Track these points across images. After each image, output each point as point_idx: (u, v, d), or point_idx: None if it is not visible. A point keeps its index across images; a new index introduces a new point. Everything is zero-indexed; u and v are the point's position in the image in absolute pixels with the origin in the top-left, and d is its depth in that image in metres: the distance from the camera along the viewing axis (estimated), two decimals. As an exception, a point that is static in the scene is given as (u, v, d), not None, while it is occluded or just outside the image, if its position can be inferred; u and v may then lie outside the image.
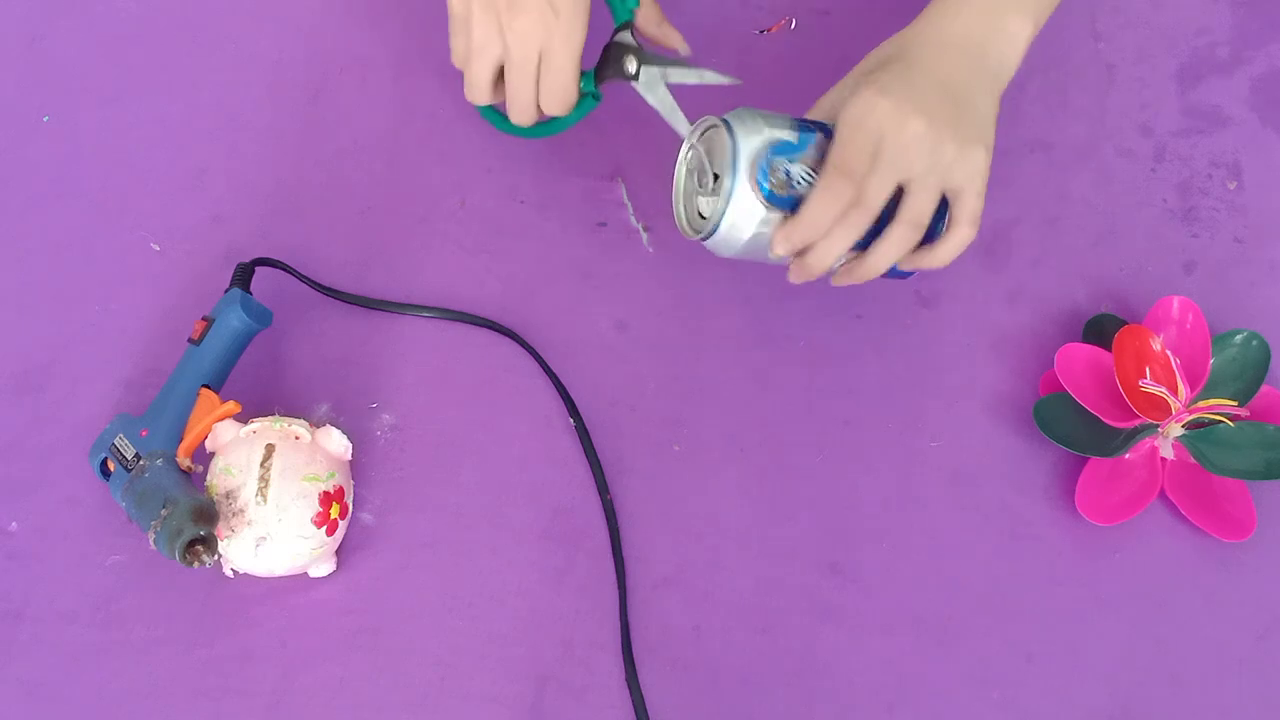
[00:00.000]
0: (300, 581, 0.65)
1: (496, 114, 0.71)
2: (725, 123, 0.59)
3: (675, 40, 0.67)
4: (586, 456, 0.68)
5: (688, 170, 0.63)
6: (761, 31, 0.79)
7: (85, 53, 0.80)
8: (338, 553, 0.65)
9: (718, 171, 0.59)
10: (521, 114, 0.65)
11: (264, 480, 0.61)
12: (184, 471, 0.63)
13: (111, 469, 0.64)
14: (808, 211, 0.58)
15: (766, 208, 0.59)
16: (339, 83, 0.78)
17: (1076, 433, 0.67)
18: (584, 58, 0.63)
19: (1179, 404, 0.66)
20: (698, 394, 0.70)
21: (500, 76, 0.65)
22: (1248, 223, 0.75)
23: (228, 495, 0.61)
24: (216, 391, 0.65)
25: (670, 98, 0.65)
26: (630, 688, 0.63)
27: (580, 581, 0.66)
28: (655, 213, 0.74)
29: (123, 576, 0.66)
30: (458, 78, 0.66)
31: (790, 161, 0.59)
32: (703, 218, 0.61)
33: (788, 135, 0.59)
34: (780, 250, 0.60)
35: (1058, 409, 0.68)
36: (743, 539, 0.67)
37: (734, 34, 0.79)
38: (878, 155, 0.57)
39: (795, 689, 0.64)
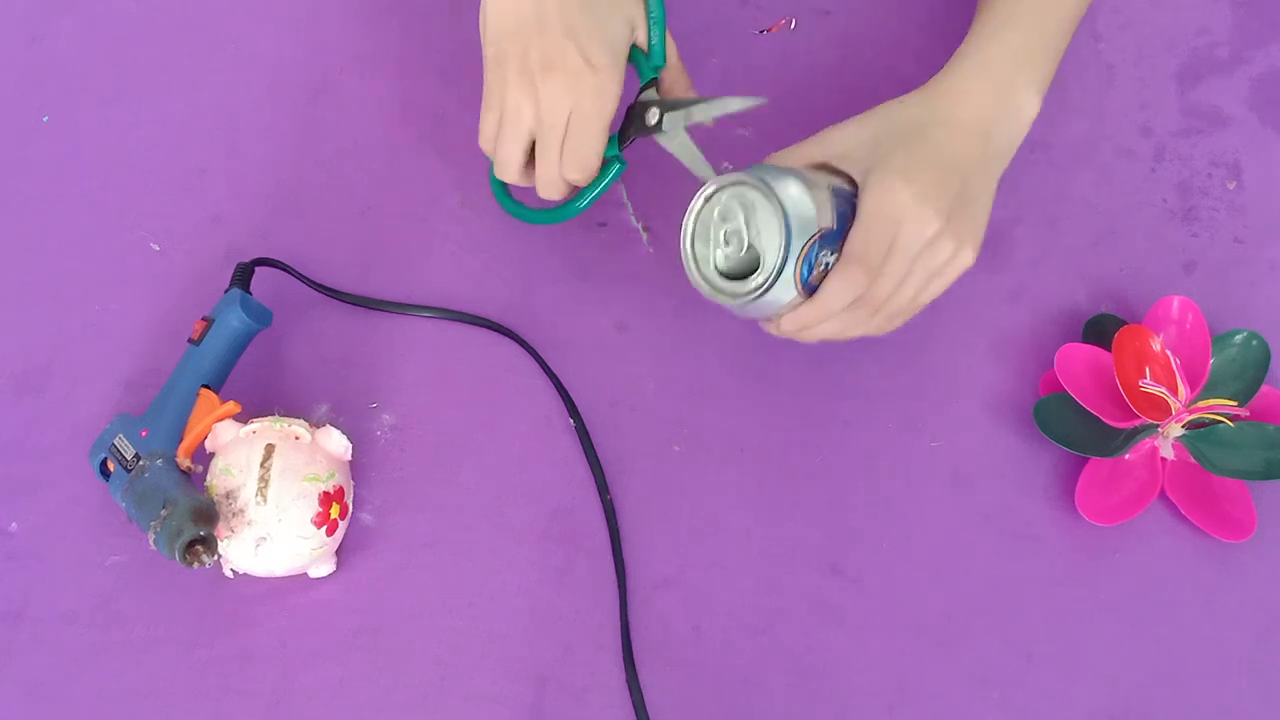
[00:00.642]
0: (300, 581, 0.65)
1: (515, 202, 0.70)
2: (778, 204, 0.55)
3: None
4: (586, 456, 0.68)
5: (716, 218, 0.57)
6: (761, 31, 0.79)
7: (85, 53, 0.80)
8: (338, 553, 0.65)
9: (755, 245, 0.56)
10: (549, 186, 0.64)
11: (264, 480, 0.61)
12: (184, 472, 0.63)
13: (111, 469, 0.64)
14: (824, 300, 0.59)
15: (799, 294, 0.58)
16: (339, 83, 0.78)
17: (1076, 433, 0.67)
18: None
19: (1179, 404, 0.66)
20: (698, 394, 0.70)
21: (531, 157, 0.64)
22: (1248, 223, 0.75)
23: (228, 495, 0.61)
24: (216, 391, 0.65)
25: (690, 142, 0.63)
26: (630, 688, 0.63)
27: (580, 581, 0.66)
28: (655, 213, 0.74)
29: (123, 576, 0.66)
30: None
31: (831, 253, 0.58)
32: (719, 270, 0.58)
33: (830, 222, 0.57)
34: (786, 329, 0.60)
35: (1058, 409, 0.68)
36: (743, 539, 0.67)
37: (734, 34, 0.79)
38: (893, 248, 0.58)
39: (795, 689, 0.64)
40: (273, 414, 0.64)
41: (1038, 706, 0.64)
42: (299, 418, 0.64)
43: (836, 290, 0.58)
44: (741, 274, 0.57)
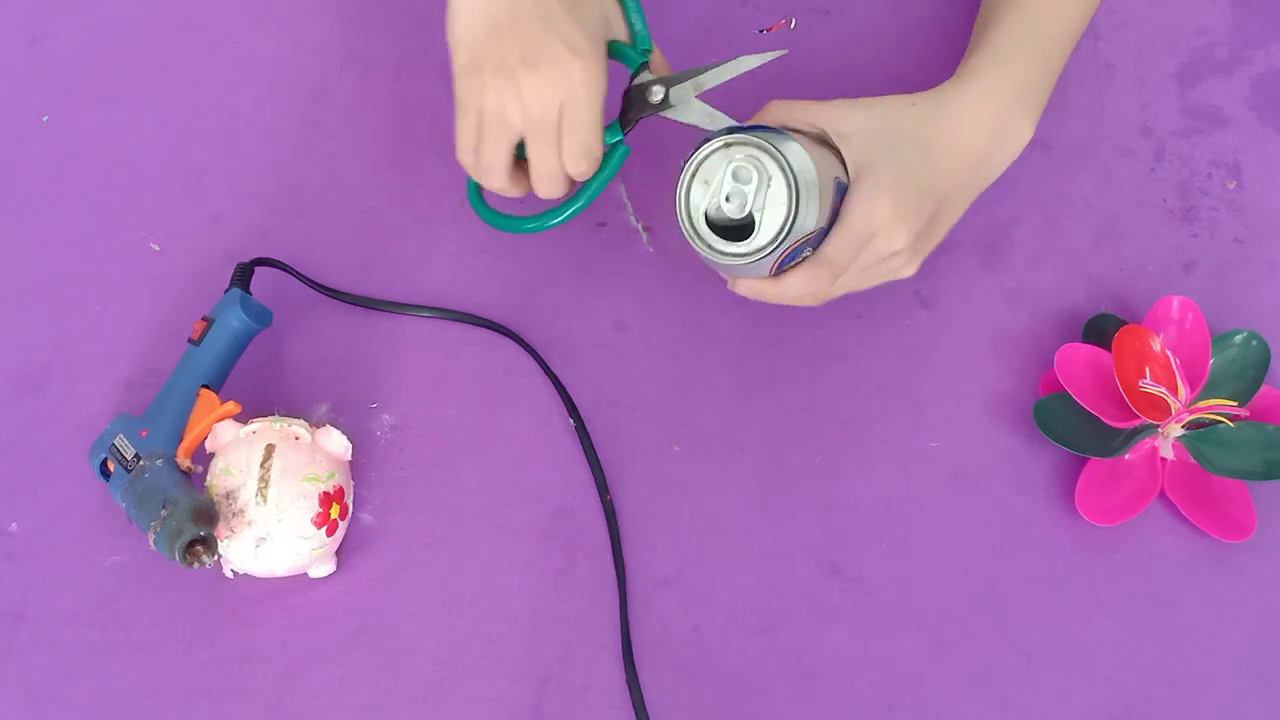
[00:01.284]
0: (300, 581, 0.65)
1: (498, 213, 0.67)
2: (794, 194, 0.55)
3: None
4: (586, 456, 0.68)
5: (726, 174, 0.57)
6: (761, 31, 0.79)
7: (85, 53, 0.80)
8: (338, 553, 0.65)
9: (754, 215, 0.56)
10: (550, 185, 0.62)
11: (264, 480, 0.61)
12: (184, 472, 0.63)
13: (111, 469, 0.64)
14: (786, 288, 0.61)
15: (770, 271, 0.59)
16: (339, 83, 0.78)
17: (1076, 433, 0.67)
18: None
19: (1179, 404, 0.66)
20: (698, 394, 0.70)
21: (516, 161, 0.62)
22: (1248, 223, 0.75)
23: (228, 495, 0.61)
24: (216, 392, 0.65)
25: (706, 106, 0.62)
26: (630, 688, 0.63)
27: (580, 582, 0.66)
28: (655, 213, 0.74)
29: (123, 576, 0.66)
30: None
31: (812, 248, 0.60)
32: (705, 216, 0.58)
33: (825, 223, 0.58)
34: (740, 290, 0.63)
35: (1058, 409, 0.68)
36: (743, 539, 0.67)
37: (734, 34, 0.79)
38: (861, 253, 0.60)
39: (795, 689, 0.64)
40: (273, 414, 0.64)
41: (1038, 706, 0.64)
42: (299, 418, 0.64)
43: (802, 284, 0.61)
44: (725, 227, 0.57)
